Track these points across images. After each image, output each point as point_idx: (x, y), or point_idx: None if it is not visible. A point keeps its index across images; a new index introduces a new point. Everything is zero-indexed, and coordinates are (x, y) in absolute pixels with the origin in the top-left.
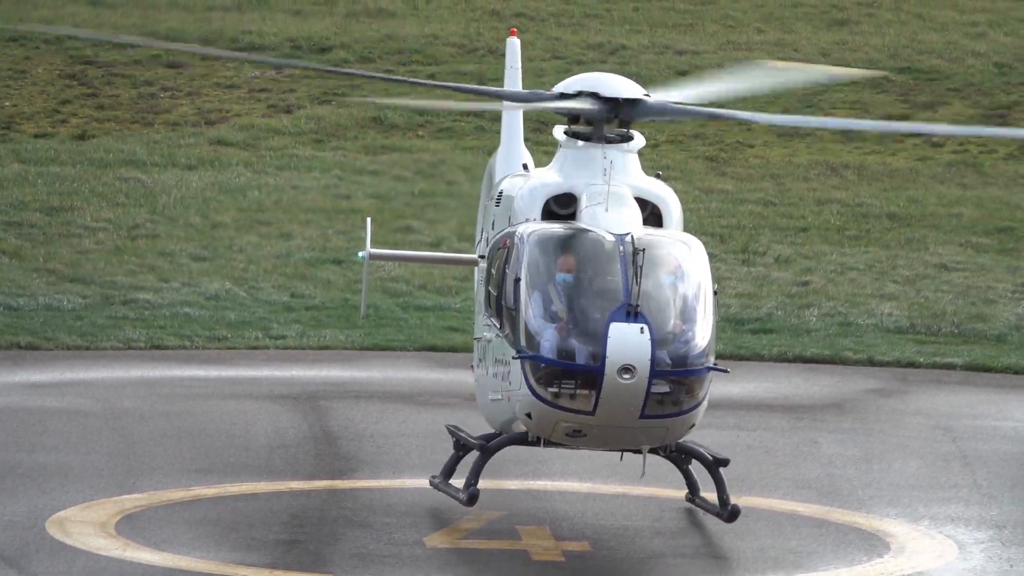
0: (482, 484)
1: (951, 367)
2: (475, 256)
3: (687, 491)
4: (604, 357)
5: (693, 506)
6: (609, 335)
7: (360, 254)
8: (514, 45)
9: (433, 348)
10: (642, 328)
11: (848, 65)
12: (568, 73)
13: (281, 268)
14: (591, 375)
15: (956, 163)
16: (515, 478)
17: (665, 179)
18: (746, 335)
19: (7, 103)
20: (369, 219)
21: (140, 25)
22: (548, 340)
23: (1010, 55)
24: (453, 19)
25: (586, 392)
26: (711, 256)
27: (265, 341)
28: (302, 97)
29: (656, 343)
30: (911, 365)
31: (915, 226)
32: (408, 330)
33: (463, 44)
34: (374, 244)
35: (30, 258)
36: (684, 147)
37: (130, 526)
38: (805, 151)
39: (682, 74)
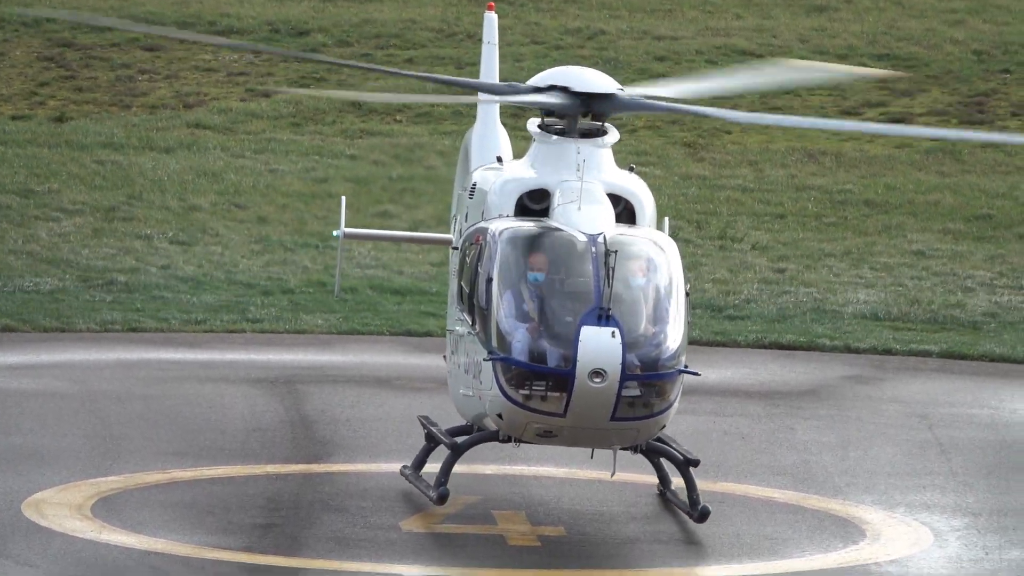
0: (459, 468)
1: (928, 354)
2: (450, 236)
3: (658, 483)
4: (575, 361)
5: (664, 500)
6: (580, 339)
7: (335, 232)
8: (491, 20)
9: (410, 333)
10: (613, 332)
11: (825, 51)
12: (546, 59)
13: (258, 252)
14: (562, 379)
15: (934, 150)
16: (491, 463)
17: (642, 167)
18: (723, 321)
19: None
20: (344, 198)
21: (118, 8)
22: (519, 342)
23: (988, 42)
24: (431, 3)
25: (557, 395)
26: (688, 243)
27: (242, 324)
28: (280, 81)
29: (627, 346)
30: (887, 352)
31: (893, 213)
32: (385, 315)
33: (441, 29)
34: (351, 226)
35: (7, 240)
36: (661, 133)
37: (106, 508)
38: (783, 137)
39: (660, 59)
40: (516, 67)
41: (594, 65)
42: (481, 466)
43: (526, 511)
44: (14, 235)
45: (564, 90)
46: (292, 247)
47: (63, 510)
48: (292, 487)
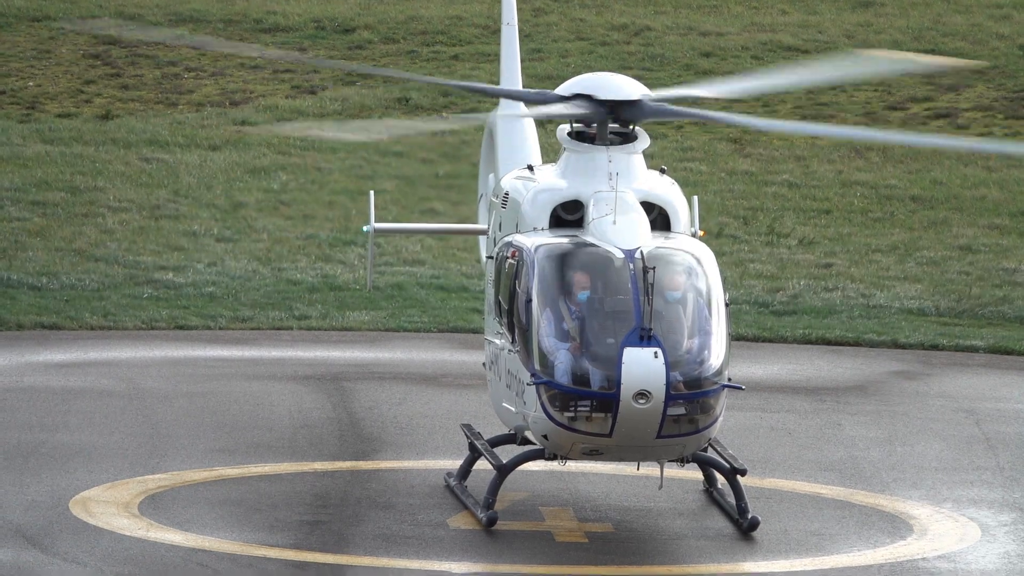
0: None
1: (974, 349)
2: (482, 227)
3: (703, 480)
4: (619, 384)
5: (710, 498)
6: (623, 361)
7: (364, 228)
8: (510, 0)
9: (456, 329)
10: (656, 352)
11: (871, 46)
12: (591, 55)
13: (305, 249)
14: (607, 401)
15: None
16: (539, 459)
17: (688, 163)
18: (769, 317)
19: (31, 83)
20: (372, 192)
21: (163, 6)
22: (562, 365)
23: None
24: None
25: (602, 416)
26: (735, 238)
27: (289, 322)
28: (326, 78)
29: (670, 366)
30: (934, 347)
31: (939, 208)
32: (431, 311)
33: (487, 25)
34: (395, 222)
35: (54, 238)
36: (708, 129)
37: (153, 506)
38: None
39: (706, 55)
40: (562, 63)
41: (640, 61)
42: (529, 462)
43: (573, 508)
44: (61, 233)
45: (588, 98)
46: (338, 244)
47: (110, 508)
48: (339, 484)
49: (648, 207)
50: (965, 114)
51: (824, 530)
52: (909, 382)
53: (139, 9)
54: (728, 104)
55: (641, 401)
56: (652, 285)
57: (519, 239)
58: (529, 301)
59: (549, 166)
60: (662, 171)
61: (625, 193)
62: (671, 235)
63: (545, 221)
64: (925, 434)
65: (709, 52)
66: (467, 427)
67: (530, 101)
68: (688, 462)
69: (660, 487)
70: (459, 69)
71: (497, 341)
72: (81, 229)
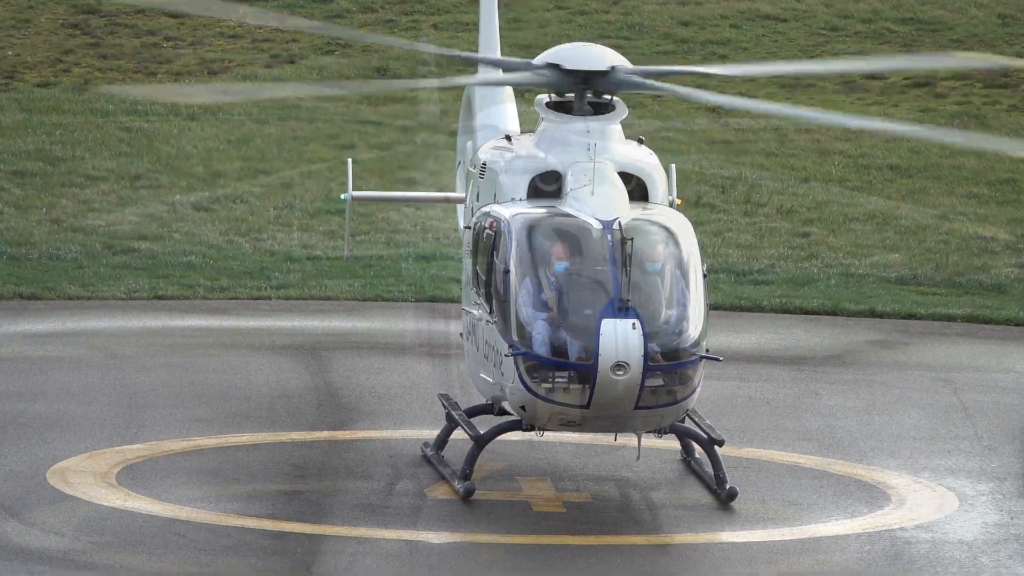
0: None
1: (952, 318)
2: (457, 195)
3: (681, 450)
4: (597, 355)
5: (688, 468)
6: (601, 332)
7: (342, 196)
8: None
9: (434, 299)
10: (633, 323)
11: (849, 16)
12: (570, 24)
13: (283, 218)
14: (585, 372)
15: (959, 115)
16: (516, 430)
17: (666, 132)
18: (747, 286)
19: (10, 52)
20: (350, 160)
21: None
22: (540, 336)
23: (1013, 6)
24: None
25: (580, 387)
26: (713, 208)
27: (267, 291)
28: (305, 47)
29: (648, 337)
30: (912, 316)
31: (917, 177)
32: (409, 280)
33: None
34: (373, 191)
35: (32, 207)
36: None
37: (131, 476)
38: (807, 103)
39: (685, 24)
40: (540, 33)
41: (619, 31)
42: (506, 433)
43: (551, 477)
44: (39, 203)
45: (557, 68)
46: (317, 213)
47: (88, 478)
48: (317, 454)
49: (626, 177)
50: (943, 83)
51: (802, 500)
52: (887, 351)
53: None
54: (703, 80)
55: (619, 372)
56: (630, 256)
57: (497, 209)
58: (507, 272)
59: (527, 136)
60: (640, 141)
61: (604, 164)
62: (649, 206)
63: (523, 192)
64: (903, 403)
65: (688, 21)
66: (444, 397)
67: (508, 69)
68: (666, 433)
69: (638, 458)
70: (438, 38)
71: (474, 311)
72: (59, 199)
